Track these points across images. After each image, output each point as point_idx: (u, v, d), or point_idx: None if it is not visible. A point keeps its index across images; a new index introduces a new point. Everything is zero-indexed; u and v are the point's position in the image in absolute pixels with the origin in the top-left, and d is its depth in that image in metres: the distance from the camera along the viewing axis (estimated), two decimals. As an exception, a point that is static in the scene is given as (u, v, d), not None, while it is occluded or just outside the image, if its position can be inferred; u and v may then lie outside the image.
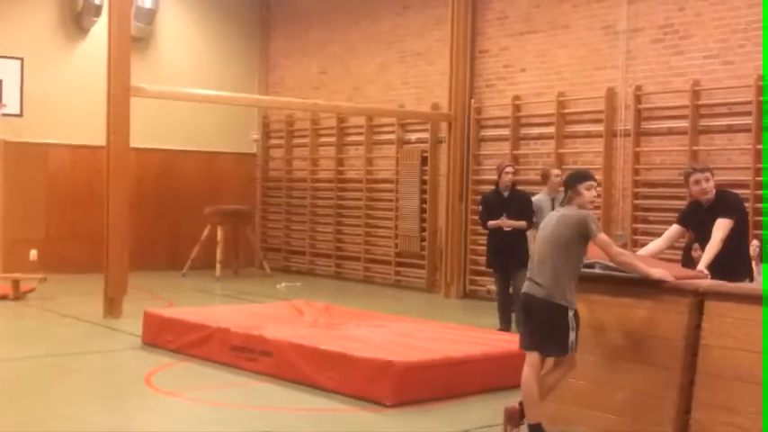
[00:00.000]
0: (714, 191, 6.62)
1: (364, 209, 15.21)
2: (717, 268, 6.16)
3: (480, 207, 10.28)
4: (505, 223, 9.68)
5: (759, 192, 10.13)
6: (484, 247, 13.21)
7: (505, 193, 9.92)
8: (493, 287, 12.59)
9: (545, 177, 10.18)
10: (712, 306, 5.51)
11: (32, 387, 7.42)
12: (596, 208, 10.63)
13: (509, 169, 9.97)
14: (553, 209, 9.66)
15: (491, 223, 9.83)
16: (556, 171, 10.25)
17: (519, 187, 10.37)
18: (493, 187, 10.33)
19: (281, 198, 17.01)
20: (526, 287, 5.80)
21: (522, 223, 9.69)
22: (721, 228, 6.39)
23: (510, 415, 5.83)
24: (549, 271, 5.62)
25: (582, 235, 5.61)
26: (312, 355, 7.41)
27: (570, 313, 5.62)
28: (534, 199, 9.94)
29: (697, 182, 6.59)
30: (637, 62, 11.51)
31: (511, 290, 9.74)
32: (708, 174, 6.60)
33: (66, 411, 6.66)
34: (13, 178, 14.87)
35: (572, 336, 5.63)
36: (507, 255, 9.70)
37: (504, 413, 5.87)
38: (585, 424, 5.93)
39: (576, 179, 5.85)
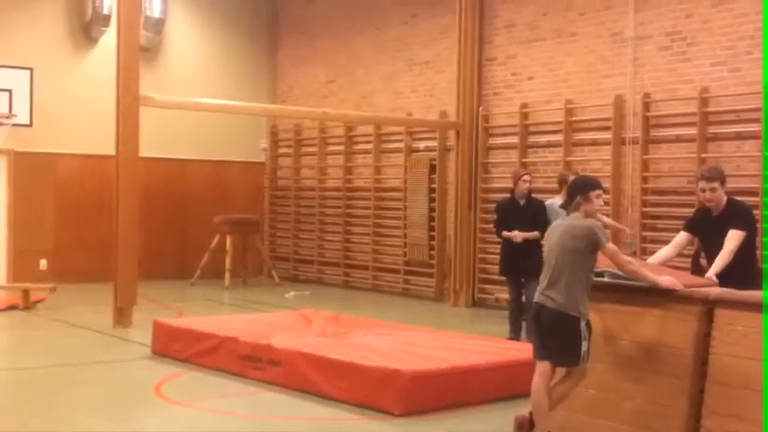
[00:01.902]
0: (723, 200, 6.58)
1: (373, 217, 15.22)
2: (725, 277, 6.14)
3: (495, 215, 10.19)
4: (517, 236, 9.63)
5: (768, 199, 10.10)
6: (493, 256, 13.27)
7: (522, 201, 9.89)
8: (503, 295, 12.61)
9: (561, 183, 10.10)
10: (722, 314, 5.48)
11: (42, 397, 7.43)
12: (605, 216, 10.60)
13: (527, 177, 9.95)
14: (568, 215, 9.65)
15: (505, 234, 9.79)
16: (573, 177, 10.13)
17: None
18: (507, 195, 10.28)
19: (289, 207, 17.03)
20: (537, 297, 5.77)
21: (536, 234, 9.64)
22: (734, 239, 6.36)
23: (520, 424, 5.82)
24: (560, 282, 5.60)
25: (590, 245, 5.60)
26: (320, 365, 7.40)
27: (582, 323, 5.61)
28: (549, 203, 9.88)
29: (702, 190, 6.58)
30: (644, 69, 11.49)
31: (524, 298, 9.70)
32: (715, 184, 6.51)
33: (76, 421, 6.68)
34: (22, 188, 14.92)
35: (584, 346, 5.61)
36: (522, 263, 9.66)
37: (514, 422, 5.87)
38: (595, 433, 5.91)
39: (587, 186, 5.82)
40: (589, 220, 5.72)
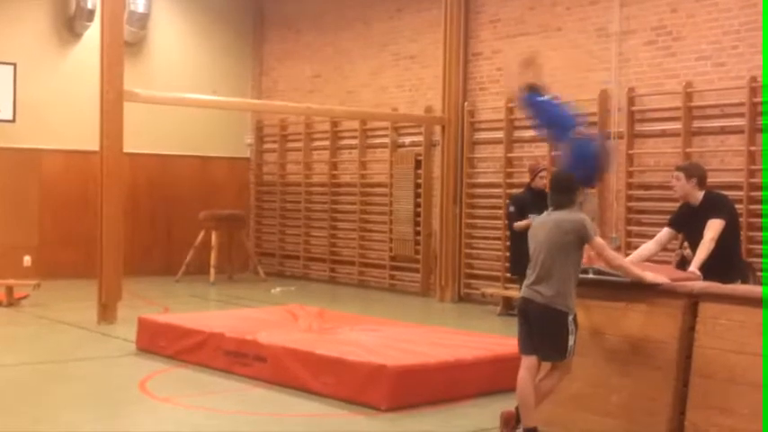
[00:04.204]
0: (689, 192, 6.68)
1: (358, 213, 15.20)
2: (709, 269, 6.18)
3: (512, 208, 9.88)
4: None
5: (752, 193, 10.15)
6: (478, 251, 13.30)
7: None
8: (489, 290, 12.63)
9: None
10: (706, 308, 5.51)
11: (27, 394, 7.39)
12: (590, 210, 10.61)
13: (544, 174, 9.90)
14: None
15: (519, 224, 9.38)
16: (560, 173, 9.93)
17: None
18: (521, 190, 10.14)
19: (275, 202, 16.99)
20: (525, 292, 5.77)
21: None
22: (712, 228, 6.43)
23: (506, 419, 5.82)
24: (550, 277, 5.60)
25: (579, 239, 5.61)
26: (306, 360, 7.39)
27: (570, 318, 5.62)
28: None
29: (670, 181, 6.86)
30: (630, 64, 11.51)
31: None
32: (679, 173, 6.72)
33: (61, 418, 6.65)
34: (6, 184, 14.84)
35: (571, 340, 5.63)
36: None
37: (500, 417, 5.87)
38: (581, 426, 5.93)
39: (578, 183, 5.87)
40: (579, 214, 5.74)
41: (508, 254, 12.45)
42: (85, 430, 6.38)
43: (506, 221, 10.06)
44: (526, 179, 12.15)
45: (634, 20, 11.47)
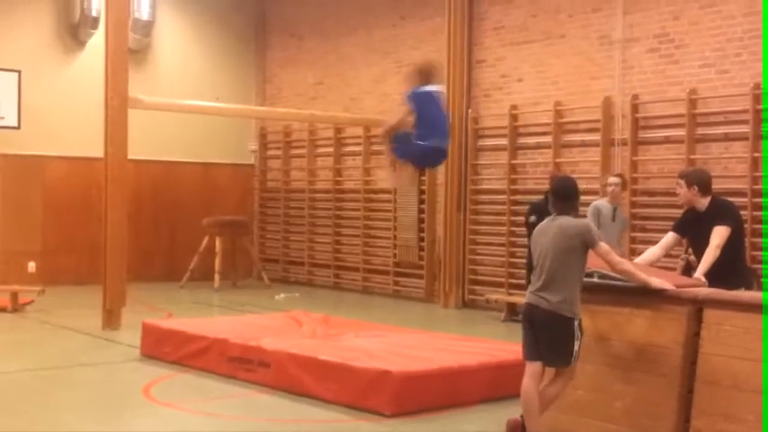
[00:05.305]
0: (691, 199, 6.69)
1: (362, 219, 15.22)
2: (713, 276, 6.19)
3: (533, 217, 9.86)
4: None
5: (755, 200, 10.15)
6: (482, 257, 13.31)
7: None
8: (493, 296, 12.64)
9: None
10: (710, 314, 5.51)
11: (31, 399, 7.40)
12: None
13: None
14: (614, 220, 9.63)
15: None
16: (612, 179, 9.83)
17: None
18: (541, 197, 10.13)
19: (278, 209, 17.01)
20: (530, 298, 5.76)
21: None
22: (718, 235, 6.44)
23: (512, 428, 5.81)
24: (556, 283, 5.60)
25: (584, 244, 5.62)
26: (310, 366, 7.40)
27: (575, 324, 5.62)
28: (595, 204, 9.81)
29: (675, 188, 6.88)
30: (633, 71, 11.53)
31: None
32: (680, 181, 6.75)
33: (64, 423, 6.66)
34: (10, 191, 14.88)
35: (576, 346, 5.63)
36: None
37: (506, 426, 5.86)
38: (585, 433, 5.93)
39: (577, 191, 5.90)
40: (581, 220, 5.75)
41: (513, 260, 12.50)
42: (90, 434, 6.41)
43: (526, 230, 10.03)
44: (530, 185, 12.22)
45: (637, 27, 11.48)
